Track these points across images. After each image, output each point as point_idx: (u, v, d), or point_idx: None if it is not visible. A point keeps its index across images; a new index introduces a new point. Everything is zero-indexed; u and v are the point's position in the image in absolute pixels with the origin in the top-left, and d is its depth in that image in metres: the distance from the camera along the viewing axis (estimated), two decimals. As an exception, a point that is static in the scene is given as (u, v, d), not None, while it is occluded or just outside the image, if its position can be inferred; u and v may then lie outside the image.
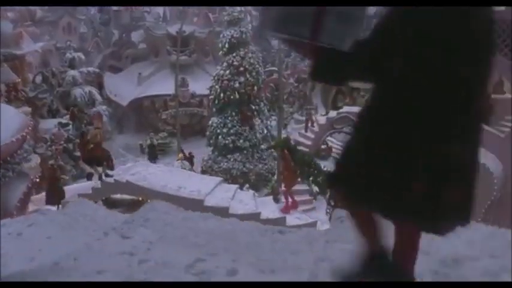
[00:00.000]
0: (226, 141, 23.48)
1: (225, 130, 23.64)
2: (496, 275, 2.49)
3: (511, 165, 13.07)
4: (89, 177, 19.01)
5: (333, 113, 22.69)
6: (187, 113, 33.10)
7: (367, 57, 1.87)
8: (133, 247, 3.24)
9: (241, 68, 23.65)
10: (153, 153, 27.82)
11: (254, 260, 3.01)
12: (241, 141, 23.45)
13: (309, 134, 23.07)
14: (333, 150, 20.84)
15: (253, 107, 24.10)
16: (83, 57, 34.17)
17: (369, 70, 1.91)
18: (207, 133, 24.67)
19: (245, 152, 23.46)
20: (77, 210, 4.46)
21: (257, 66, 24.16)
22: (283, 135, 21.84)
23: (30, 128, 12.64)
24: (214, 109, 24.84)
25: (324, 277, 2.54)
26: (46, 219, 4.39)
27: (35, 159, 18.71)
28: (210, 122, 24.69)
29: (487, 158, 13.16)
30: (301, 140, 22.00)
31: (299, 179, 16.74)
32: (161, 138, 30.83)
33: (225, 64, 24.19)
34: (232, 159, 23.27)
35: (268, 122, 25.34)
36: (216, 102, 24.25)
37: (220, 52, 24.96)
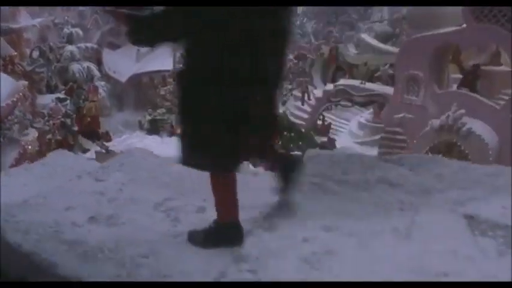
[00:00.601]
0: (224, 116, 23.45)
1: (222, 105, 23.59)
2: (462, 204, 2.46)
3: (507, 136, 13.01)
4: (85, 150, 19.04)
5: (329, 86, 22.54)
6: (186, 89, 32.98)
7: (168, 21, 2.10)
8: (105, 188, 3.23)
9: (239, 43, 23.53)
10: (155, 129, 27.77)
11: (224, 199, 2.99)
12: (238, 116, 23.44)
13: (305, 107, 22.98)
14: (331, 127, 20.68)
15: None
16: (80, 32, 33.90)
17: (173, 32, 2.15)
18: (205, 108, 24.58)
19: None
20: (57, 160, 4.44)
21: (255, 41, 23.94)
22: (280, 111, 21.67)
23: (21, 94, 12.58)
24: (212, 84, 24.76)
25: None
26: (24, 170, 4.39)
27: (33, 134, 18.74)
28: (208, 98, 24.61)
29: (482, 130, 13.12)
30: (298, 113, 21.92)
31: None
32: (159, 115, 30.69)
33: (222, 39, 24.05)
34: (229, 134, 23.25)
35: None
36: (214, 77, 24.17)
37: (218, 27, 24.77)
